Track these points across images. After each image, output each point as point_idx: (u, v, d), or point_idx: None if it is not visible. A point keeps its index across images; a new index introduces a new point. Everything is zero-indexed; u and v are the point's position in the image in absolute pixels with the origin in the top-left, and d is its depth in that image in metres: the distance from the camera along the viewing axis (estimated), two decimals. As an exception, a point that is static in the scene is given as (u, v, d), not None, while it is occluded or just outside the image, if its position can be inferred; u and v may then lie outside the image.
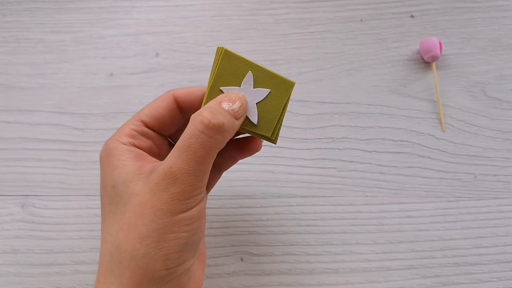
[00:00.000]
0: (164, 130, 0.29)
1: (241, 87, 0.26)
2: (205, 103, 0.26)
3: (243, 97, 0.26)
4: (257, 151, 0.29)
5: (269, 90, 0.26)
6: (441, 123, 0.41)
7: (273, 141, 0.27)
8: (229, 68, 0.26)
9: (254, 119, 0.26)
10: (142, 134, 0.27)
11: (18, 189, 0.39)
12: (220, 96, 0.26)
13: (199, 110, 0.24)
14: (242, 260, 0.37)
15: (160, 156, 0.28)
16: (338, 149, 0.40)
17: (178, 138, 0.25)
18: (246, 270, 0.36)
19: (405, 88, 0.43)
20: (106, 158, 0.26)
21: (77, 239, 0.38)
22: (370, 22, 0.45)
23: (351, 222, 0.38)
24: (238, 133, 0.29)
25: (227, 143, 0.26)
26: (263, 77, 0.26)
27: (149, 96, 0.43)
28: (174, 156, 0.23)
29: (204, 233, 0.30)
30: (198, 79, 0.43)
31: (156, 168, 0.24)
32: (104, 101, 0.43)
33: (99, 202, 0.39)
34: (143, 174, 0.24)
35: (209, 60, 0.44)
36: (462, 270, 0.36)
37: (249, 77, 0.26)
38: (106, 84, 0.43)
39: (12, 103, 0.43)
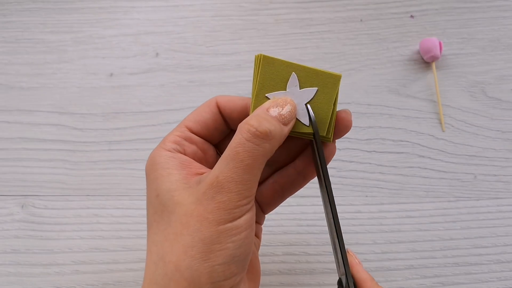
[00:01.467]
0: (209, 135, 0.28)
1: (287, 90, 0.25)
2: (252, 111, 0.25)
3: (291, 101, 0.25)
4: (331, 157, 0.28)
5: (316, 88, 0.25)
6: (441, 123, 0.41)
7: (329, 139, 0.26)
8: (271, 73, 0.25)
9: (306, 120, 0.25)
10: (187, 139, 0.27)
11: (18, 189, 0.39)
12: (267, 103, 0.25)
13: (246, 119, 0.24)
14: (242, 260, 0.37)
15: (207, 162, 0.28)
16: (338, 149, 0.40)
17: (224, 148, 0.24)
18: (246, 270, 0.36)
19: (405, 88, 0.43)
20: (150, 167, 0.26)
21: (77, 239, 0.38)
22: (370, 22, 0.45)
23: (351, 222, 0.38)
24: (303, 141, 0.28)
25: (295, 160, 0.27)
26: (307, 76, 0.25)
27: (149, 96, 0.43)
28: (221, 165, 0.23)
29: (257, 250, 0.29)
30: (198, 79, 0.43)
31: (203, 178, 0.24)
32: (104, 101, 0.43)
33: (99, 202, 0.39)
34: (188, 184, 0.24)
35: (209, 60, 0.44)
36: (462, 270, 0.36)
37: (293, 78, 0.25)
38: (106, 84, 0.43)
39: (12, 103, 0.43)
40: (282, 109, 0.24)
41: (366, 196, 0.39)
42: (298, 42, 0.45)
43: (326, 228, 0.38)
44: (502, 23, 0.45)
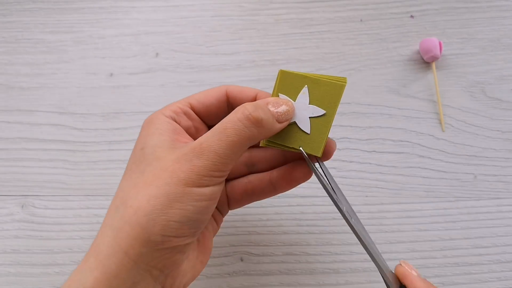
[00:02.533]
0: (208, 118, 0.30)
1: (296, 101, 0.27)
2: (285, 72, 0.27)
3: (291, 104, 0.27)
4: (304, 181, 0.29)
5: (324, 111, 0.27)
6: (441, 123, 0.41)
7: (319, 156, 0.28)
8: (287, 85, 0.27)
9: (307, 128, 0.27)
10: (186, 114, 0.29)
11: (18, 189, 0.39)
12: (270, 98, 0.27)
13: (245, 103, 0.25)
14: (242, 260, 0.37)
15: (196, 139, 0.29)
16: (338, 149, 0.40)
17: None
18: (246, 270, 0.36)
19: (405, 88, 0.43)
20: (145, 125, 0.27)
21: (77, 239, 0.38)
22: (370, 22, 0.45)
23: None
24: (285, 158, 0.30)
25: (273, 170, 0.29)
26: (314, 87, 0.27)
27: (149, 96, 0.43)
28: (207, 135, 0.24)
29: (213, 235, 0.30)
30: (198, 79, 0.43)
31: (188, 144, 0.25)
32: (104, 101, 0.43)
33: (99, 202, 0.39)
34: (174, 146, 0.25)
35: (209, 60, 0.44)
36: (462, 270, 0.36)
37: (304, 93, 0.27)
38: (106, 84, 0.43)
39: (12, 103, 0.43)
40: (281, 108, 0.26)
41: (366, 196, 0.39)
42: (298, 42, 0.45)
43: (326, 228, 0.38)
44: (502, 23, 0.45)
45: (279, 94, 0.27)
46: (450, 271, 0.36)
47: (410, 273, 0.27)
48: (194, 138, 0.29)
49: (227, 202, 0.31)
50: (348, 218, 0.26)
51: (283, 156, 0.30)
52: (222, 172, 0.24)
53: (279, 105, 0.26)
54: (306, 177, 0.29)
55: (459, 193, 0.39)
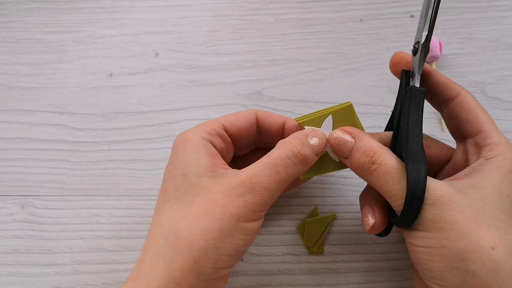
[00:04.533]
0: (238, 140, 0.30)
1: (320, 128, 0.29)
2: (299, 120, 0.29)
3: (324, 136, 0.28)
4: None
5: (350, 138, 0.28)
6: (440, 123, 0.41)
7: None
8: (340, 118, 0.29)
9: (335, 157, 0.29)
10: (220, 135, 0.29)
11: (18, 189, 0.39)
12: (307, 130, 0.28)
13: (287, 138, 0.27)
14: (242, 260, 0.37)
15: (225, 160, 0.29)
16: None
17: (240, 163, 0.28)
18: (246, 270, 0.36)
19: (405, 88, 0.43)
20: (182, 144, 0.27)
21: (77, 239, 0.38)
22: (370, 22, 0.45)
23: (351, 222, 0.38)
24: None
25: None
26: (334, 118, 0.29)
27: (149, 96, 0.43)
28: (257, 169, 0.25)
29: None
30: (198, 79, 0.43)
31: (232, 173, 0.25)
32: (104, 101, 0.43)
33: (99, 202, 0.39)
34: (215, 173, 0.26)
35: (209, 60, 0.44)
36: (462, 270, 0.36)
37: (329, 121, 0.29)
38: (106, 84, 0.43)
39: (12, 103, 0.43)
40: (319, 141, 0.27)
41: (366, 196, 0.39)
42: (298, 42, 0.45)
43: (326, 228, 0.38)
44: (502, 23, 0.45)
45: (330, 115, 0.29)
46: (450, 271, 0.36)
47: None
48: (224, 159, 0.29)
49: None
50: None
51: None
52: (268, 206, 0.25)
53: (318, 138, 0.27)
54: (301, 183, 0.31)
55: (459, 193, 0.39)
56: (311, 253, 0.37)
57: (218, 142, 0.29)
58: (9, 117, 0.42)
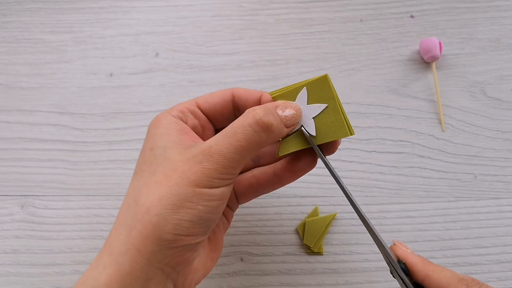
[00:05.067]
0: (213, 117, 0.30)
1: (295, 101, 0.28)
2: (273, 94, 0.28)
3: (299, 109, 0.27)
4: (309, 170, 0.29)
5: (325, 105, 0.27)
6: (441, 123, 0.41)
7: (351, 133, 0.28)
8: (315, 90, 0.27)
9: (312, 130, 0.27)
10: (192, 112, 0.29)
11: (18, 189, 0.39)
12: (279, 101, 0.27)
13: (257, 106, 0.26)
14: (242, 260, 0.37)
15: (203, 138, 0.30)
16: (338, 149, 0.40)
17: None
18: (246, 270, 0.36)
19: (405, 88, 0.43)
20: (153, 125, 0.28)
21: (77, 239, 0.38)
22: (370, 22, 0.45)
23: (351, 222, 0.38)
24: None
25: (277, 162, 0.29)
26: (330, 112, 0.27)
27: (149, 96, 0.43)
28: (217, 138, 0.25)
29: (224, 232, 0.31)
30: (198, 79, 0.43)
31: (197, 145, 0.25)
32: (104, 101, 0.43)
33: (99, 202, 0.39)
34: (182, 146, 0.26)
35: (209, 60, 0.44)
36: (462, 270, 0.36)
37: (303, 93, 0.28)
38: (106, 84, 0.43)
39: (12, 103, 0.43)
40: (289, 113, 0.27)
41: (366, 196, 0.39)
42: (298, 42, 0.45)
43: (326, 228, 0.38)
44: (502, 23, 0.45)
45: (305, 87, 0.27)
46: (450, 271, 0.36)
47: (406, 250, 0.27)
48: (201, 137, 0.29)
49: (235, 197, 0.31)
50: (350, 195, 0.27)
51: None
52: (231, 174, 0.25)
53: (287, 108, 0.27)
54: (310, 166, 0.29)
55: (459, 193, 0.39)
56: (311, 253, 0.37)
57: (191, 119, 0.29)
58: (9, 117, 0.42)
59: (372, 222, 0.38)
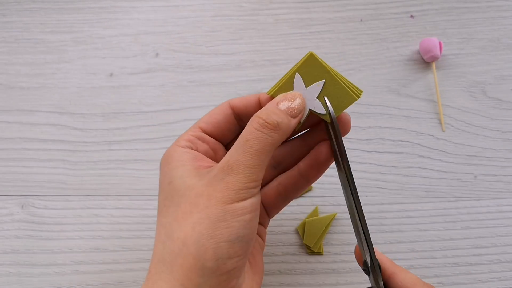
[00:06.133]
0: (221, 136, 0.30)
1: (307, 88, 0.27)
2: (270, 92, 0.28)
3: (300, 95, 0.27)
4: (331, 162, 0.29)
5: (323, 81, 0.27)
6: (441, 123, 0.41)
7: (359, 95, 0.27)
8: (307, 69, 0.27)
9: (321, 109, 0.27)
10: (200, 138, 0.28)
11: (18, 189, 0.39)
12: (277, 97, 0.27)
13: (256, 112, 0.26)
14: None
15: (217, 161, 0.29)
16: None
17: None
18: (246, 270, 0.36)
19: (405, 88, 0.43)
20: (165, 161, 0.27)
21: (77, 239, 0.38)
22: (370, 22, 0.45)
23: (350, 222, 0.38)
24: (308, 146, 0.29)
25: (299, 162, 0.29)
26: (330, 84, 0.27)
27: (149, 96, 0.43)
28: (231, 151, 0.24)
29: (261, 251, 0.30)
30: (198, 79, 0.43)
31: (214, 167, 0.25)
32: (104, 101, 0.43)
33: (99, 202, 0.39)
34: (200, 172, 0.25)
35: (209, 60, 0.44)
36: (462, 270, 0.36)
37: (298, 80, 0.27)
38: (106, 84, 0.43)
39: (12, 103, 0.43)
40: (291, 103, 0.26)
41: (366, 196, 0.39)
42: (298, 42, 0.45)
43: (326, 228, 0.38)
44: (502, 23, 0.45)
45: (296, 73, 0.27)
46: (450, 271, 0.36)
47: (376, 249, 0.28)
48: (214, 160, 0.29)
49: (265, 212, 0.30)
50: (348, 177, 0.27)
51: (305, 145, 0.30)
52: (255, 182, 0.24)
53: (287, 99, 0.26)
54: (330, 159, 0.29)
55: (459, 193, 0.39)
56: (311, 253, 0.37)
57: (200, 145, 0.28)
58: (9, 117, 0.42)
59: (372, 222, 0.38)
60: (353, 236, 0.37)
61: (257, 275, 0.28)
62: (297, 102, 0.26)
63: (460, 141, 0.41)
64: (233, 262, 0.23)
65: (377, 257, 0.27)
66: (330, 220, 0.37)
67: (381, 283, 0.26)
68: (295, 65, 0.27)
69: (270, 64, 0.44)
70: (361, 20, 0.45)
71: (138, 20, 0.46)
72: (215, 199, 0.23)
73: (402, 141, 0.41)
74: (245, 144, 0.24)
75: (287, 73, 0.28)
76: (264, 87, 0.43)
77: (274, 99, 0.27)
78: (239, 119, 0.30)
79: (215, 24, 0.45)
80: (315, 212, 0.38)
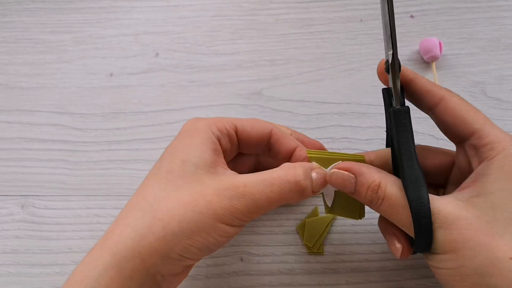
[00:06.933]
0: (244, 147, 0.30)
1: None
2: (310, 155, 0.29)
3: (328, 176, 0.27)
4: None
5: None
6: (441, 123, 0.41)
7: (358, 218, 0.31)
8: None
9: (329, 201, 0.29)
10: (229, 136, 0.29)
11: (18, 189, 0.39)
12: (315, 165, 0.28)
13: (294, 164, 0.27)
14: (242, 260, 0.37)
15: (227, 160, 0.30)
16: (338, 149, 0.40)
17: (239, 164, 0.30)
18: (246, 270, 0.36)
19: (405, 88, 0.43)
20: (191, 131, 0.27)
21: (77, 239, 0.38)
22: (370, 22, 0.45)
23: (350, 222, 0.38)
24: None
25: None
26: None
27: (149, 96, 0.43)
28: (254, 181, 0.25)
29: None
30: (198, 79, 0.43)
31: (229, 175, 0.26)
32: (104, 101, 0.43)
33: (99, 202, 0.39)
34: (214, 169, 0.26)
35: (209, 60, 0.44)
36: (462, 270, 0.36)
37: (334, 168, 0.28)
38: (106, 84, 0.43)
39: (12, 103, 0.43)
40: (319, 178, 0.27)
41: (366, 196, 0.39)
42: (298, 42, 0.45)
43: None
44: (502, 23, 0.45)
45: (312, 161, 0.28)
46: (450, 271, 0.36)
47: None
48: (226, 160, 0.29)
49: None
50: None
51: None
52: (251, 219, 0.25)
53: (320, 175, 0.27)
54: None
55: (459, 193, 0.39)
56: (311, 253, 0.37)
57: (226, 142, 0.29)
58: (9, 117, 0.42)
59: (372, 222, 0.38)
60: (353, 236, 0.37)
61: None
62: (322, 181, 0.27)
63: (460, 141, 0.41)
64: (191, 262, 0.26)
65: (407, 73, 0.27)
66: (330, 220, 0.37)
67: (398, 83, 0.26)
68: (346, 153, 0.29)
69: (270, 64, 0.44)
70: (361, 20, 0.45)
71: (138, 20, 0.46)
72: (213, 211, 0.24)
73: (402, 141, 0.41)
74: (269, 187, 0.25)
75: (334, 153, 0.29)
76: (264, 87, 0.43)
77: (312, 164, 0.28)
78: (269, 147, 0.30)
79: (215, 24, 0.45)
80: (315, 212, 0.38)
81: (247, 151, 0.31)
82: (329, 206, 0.29)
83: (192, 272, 0.36)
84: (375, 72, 0.43)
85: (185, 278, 0.28)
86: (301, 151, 0.29)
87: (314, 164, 0.28)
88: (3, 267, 0.37)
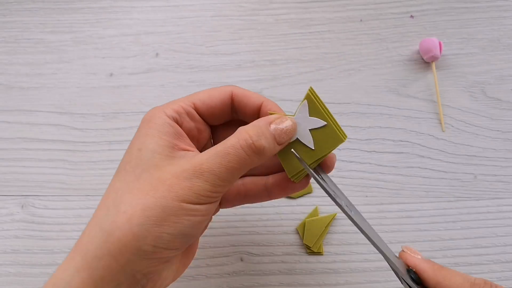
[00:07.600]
0: (211, 119, 0.29)
1: (295, 115, 0.27)
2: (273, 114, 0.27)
3: (294, 123, 0.26)
4: (301, 189, 0.29)
5: (325, 123, 0.26)
6: (440, 123, 0.41)
7: (345, 139, 0.27)
8: (312, 105, 0.26)
9: (310, 143, 0.27)
10: (189, 114, 0.28)
11: (18, 189, 0.39)
12: (272, 116, 0.26)
13: (246, 126, 0.25)
14: (242, 260, 0.37)
15: (198, 141, 0.29)
16: (338, 149, 0.40)
17: (219, 131, 0.28)
18: (246, 270, 0.36)
19: (404, 88, 0.43)
20: (146, 122, 0.27)
21: (76, 239, 0.38)
22: (370, 22, 0.45)
23: (350, 222, 0.38)
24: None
25: (269, 176, 0.29)
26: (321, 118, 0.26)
27: (149, 96, 0.43)
28: (209, 156, 0.24)
29: (204, 229, 0.30)
30: (198, 79, 0.43)
31: (188, 157, 0.25)
32: (104, 101, 0.43)
33: (99, 202, 0.39)
34: (172, 154, 0.25)
35: (209, 60, 0.44)
36: (462, 270, 0.36)
37: (304, 106, 0.26)
38: (106, 84, 0.43)
39: (12, 103, 0.43)
40: (284, 125, 0.26)
41: (366, 196, 0.39)
42: (298, 42, 0.45)
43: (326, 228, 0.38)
44: (502, 23, 0.45)
45: (305, 100, 0.26)
46: (450, 271, 0.36)
47: (414, 257, 0.27)
48: (196, 139, 0.29)
49: (219, 202, 0.30)
50: (348, 211, 0.27)
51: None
52: (219, 193, 0.25)
53: (282, 122, 0.26)
54: (303, 186, 0.29)
55: (459, 193, 0.39)
56: (311, 253, 0.37)
57: (187, 121, 0.28)
58: (9, 117, 0.42)
59: (372, 222, 0.38)
60: (353, 236, 0.37)
61: (187, 258, 0.28)
62: (289, 128, 0.26)
63: (460, 141, 0.41)
64: (169, 253, 0.24)
65: (417, 267, 0.26)
66: (330, 220, 0.37)
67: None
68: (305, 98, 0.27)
69: (270, 64, 0.44)
70: (361, 20, 0.45)
71: (138, 20, 0.46)
72: (175, 193, 0.23)
73: (402, 141, 0.41)
74: (225, 157, 0.24)
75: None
76: (264, 87, 0.43)
77: (269, 117, 0.26)
78: (234, 110, 0.29)
79: (215, 24, 0.45)
80: (315, 212, 0.38)
81: (217, 122, 0.30)
82: (313, 148, 0.26)
83: (192, 272, 0.36)
84: (375, 72, 0.43)
85: (177, 278, 0.27)
86: (267, 107, 0.28)
87: (272, 116, 0.26)
88: (3, 267, 0.37)
